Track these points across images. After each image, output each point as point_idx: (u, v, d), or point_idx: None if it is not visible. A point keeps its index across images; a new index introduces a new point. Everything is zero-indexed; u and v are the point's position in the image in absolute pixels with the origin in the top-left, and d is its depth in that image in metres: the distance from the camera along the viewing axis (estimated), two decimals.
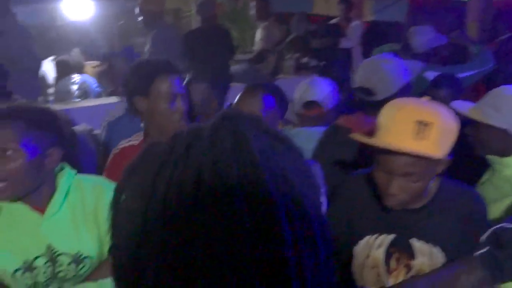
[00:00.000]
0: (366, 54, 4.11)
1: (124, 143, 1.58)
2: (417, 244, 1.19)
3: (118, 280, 0.43)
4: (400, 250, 1.21)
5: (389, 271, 1.22)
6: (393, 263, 1.22)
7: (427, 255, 1.18)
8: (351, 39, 4.64)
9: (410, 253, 1.20)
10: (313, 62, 4.90)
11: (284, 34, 4.37)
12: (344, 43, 4.61)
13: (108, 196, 1.27)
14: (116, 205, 0.45)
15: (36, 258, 1.20)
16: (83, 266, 1.22)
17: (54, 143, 1.18)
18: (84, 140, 1.88)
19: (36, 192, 1.18)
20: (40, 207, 1.20)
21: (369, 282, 1.24)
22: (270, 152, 0.43)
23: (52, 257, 1.20)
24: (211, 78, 3.68)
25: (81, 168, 1.36)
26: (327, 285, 0.42)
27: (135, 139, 1.57)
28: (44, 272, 1.20)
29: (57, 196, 1.20)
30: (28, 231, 1.20)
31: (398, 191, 1.11)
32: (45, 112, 1.22)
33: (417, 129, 1.06)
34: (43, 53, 3.65)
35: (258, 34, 4.29)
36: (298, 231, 0.40)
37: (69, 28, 5.27)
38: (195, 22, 4.23)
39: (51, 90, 3.58)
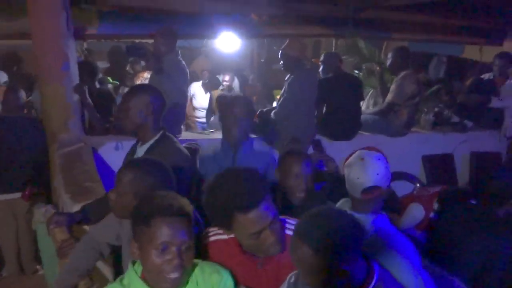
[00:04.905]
0: None
1: (215, 234, 1.42)
2: None
3: None
4: None
5: None
6: None
7: None
8: (505, 100, 4.11)
9: None
10: (455, 118, 4.48)
11: (421, 87, 4.03)
12: (495, 103, 4.12)
13: (222, 283, 1.27)
14: None
15: None
16: None
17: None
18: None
19: None
20: None
21: None
22: None
23: None
24: (339, 124, 3.67)
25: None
26: None
27: (226, 234, 1.38)
28: None
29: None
30: None
31: None
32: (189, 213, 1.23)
33: None
34: (192, 75, 4.16)
35: (392, 86, 3.98)
36: None
37: (216, 53, 5.83)
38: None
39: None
